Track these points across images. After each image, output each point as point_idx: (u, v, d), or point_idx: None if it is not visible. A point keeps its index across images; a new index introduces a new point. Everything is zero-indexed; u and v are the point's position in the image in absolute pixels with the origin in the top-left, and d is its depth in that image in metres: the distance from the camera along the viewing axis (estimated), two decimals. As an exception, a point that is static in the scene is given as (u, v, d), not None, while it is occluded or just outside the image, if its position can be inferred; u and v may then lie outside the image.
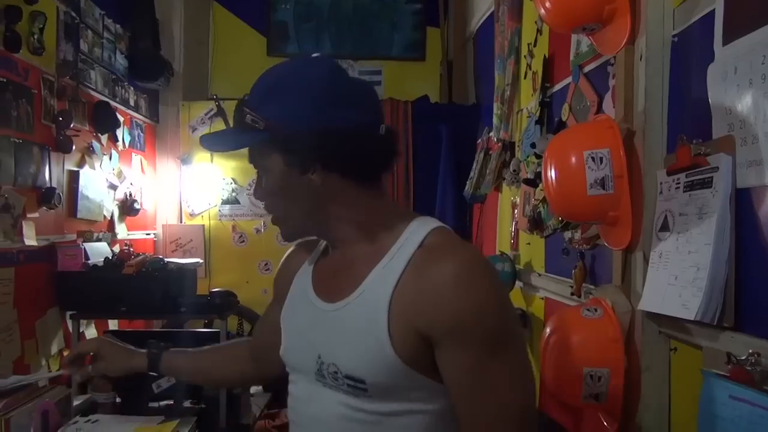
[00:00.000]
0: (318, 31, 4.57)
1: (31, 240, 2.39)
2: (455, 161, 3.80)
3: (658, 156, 1.46)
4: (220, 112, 4.06)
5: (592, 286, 1.88)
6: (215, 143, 1.02)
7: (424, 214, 1.00)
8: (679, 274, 1.28)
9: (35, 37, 2.44)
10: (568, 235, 2.08)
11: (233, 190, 4.09)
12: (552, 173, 1.51)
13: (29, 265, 2.42)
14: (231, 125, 0.99)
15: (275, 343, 1.09)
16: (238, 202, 4.09)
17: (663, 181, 1.40)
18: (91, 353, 1.34)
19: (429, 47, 4.58)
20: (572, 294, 1.96)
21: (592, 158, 1.45)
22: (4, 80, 2.26)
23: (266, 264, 3.99)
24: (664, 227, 1.38)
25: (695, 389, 1.23)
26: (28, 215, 2.39)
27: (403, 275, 0.89)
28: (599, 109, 1.87)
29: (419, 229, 0.93)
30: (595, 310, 1.50)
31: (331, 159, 0.92)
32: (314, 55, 1.02)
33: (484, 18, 3.64)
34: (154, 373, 1.32)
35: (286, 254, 1.16)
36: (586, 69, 1.99)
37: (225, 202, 4.08)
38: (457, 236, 0.96)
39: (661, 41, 1.47)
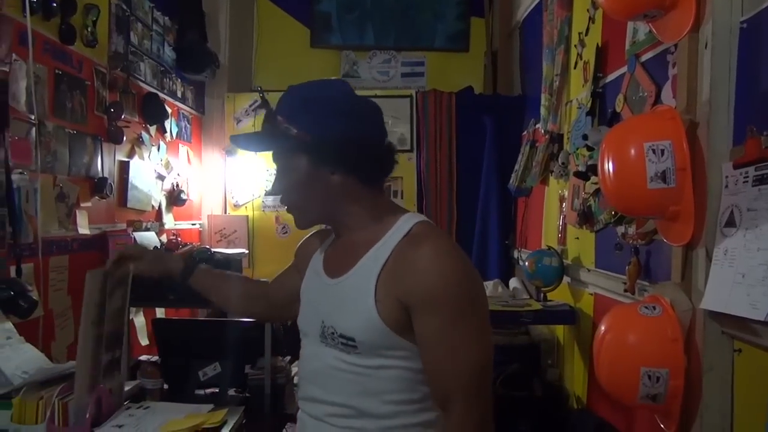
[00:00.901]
0: (361, 21, 4.55)
1: (84, 229, 2.45)
2: (499, 153, 3.74)
3: (723, 148, 1.39)
4: (264, 104, 4.09)
5: (647, 283, 1.82)
6: (250, 144, 1.22)
7: (413, 210, 1.24)
8: (746, 272, 1.23)
9: (89, 29, 2.49)
10: (621, 229, 2.01)
11: (276, 182, 4.11)
12: (609, 166, 1.46)
13: (82, 253, 2.48)
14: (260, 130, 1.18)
15: (284, 296, 1.38)
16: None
17: (729, 174, 1.34)
18: (132, 255, 1.49)
19: (473, 38, 4.51)
20: (625, 291, 1.90)
21: (653, 150, 1.39)
22: (60, 72, 2.32)
23: (308, 255, 4.00)
24: (730, 223, 1.32)
25: (762, 393, 1.18)
26: (82, 204, 2.45)
27: (390, 256, 1.09)
28: (657, 100, 1.81)
29: (407, 221, 1.13)
30: (654, 308, 1.44)
31: (350, 163, 1.12)
32: (330, 78, 1.26)
33: (531, 7, 3.56)
34: (182, 281, 1.46)
35: (308, 235, 1.37)
36: (643, 58, 1.92)
37: (268, 194, 4.11)
38: (437, 228, 1.17)
39: (728, 28, 1.40)
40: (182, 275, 1.46)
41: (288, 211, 1.20)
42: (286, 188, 1.17)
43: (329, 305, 1.14)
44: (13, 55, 2.00)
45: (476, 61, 4.48)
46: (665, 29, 1.58)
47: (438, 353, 1.06)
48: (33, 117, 2.09)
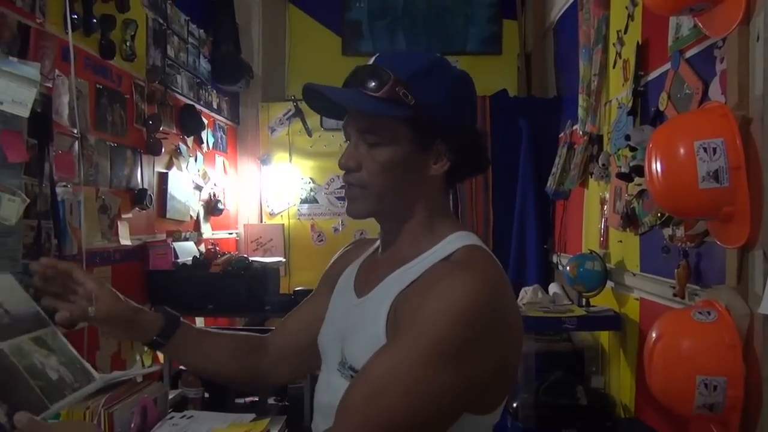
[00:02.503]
0: (392, 28, 4.54)
1: (125, 240, 2.49)
2: (536, 156, 3.68)
3: (779, 145, 1.33)
4: (298, 113, 4.12)
5: (697, 287, 1.75)
6: (347, 99, 0.96)
7: (468, 229, 0.99)
8: (810, 275, 1.16)
9: (127, 44, 2.54)
10: (668, 232, 1.95)
11: (311, 190, 4.13)
12: (657, 166, 1.41)
13: (124, 263, 2.52)
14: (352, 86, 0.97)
15: (298, 339, 1.12)
16: (317, 202, 4.13)
17: (787, 172, 1.28)
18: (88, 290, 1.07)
19: (505, 40, 4.47)
20: (674, 295, 1.84)
21: (704, 149, 1.34)
22: (100, 87, 2.36)
23: (344, 262, 4.00)
24: (790, 223, 1.25)
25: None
26: (123, 216, 2.49)
27: (418, 278, 0.90)
28: (704, 97, 1.74)
29: (452, 243, 0.94)
30: (708, 313, 1.38)
31: (458, 155, 0.95)
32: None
33: (566, 7, 3.50)
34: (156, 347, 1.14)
35: (342, 249, 1.18)
36: (688, 54, 1.86)
37: (303, 202, 4.13)
38: (483, 258, 0.92)
39: (781, 19, 1.34)
40: (155, 344, 1.13)
41: (350, 192, 0.97)
42: (372, 167, 0.93)
43: (349, 329, 0.96)
44: (56, 71, 2.04)
45: (509, 64, 4.42)
46: (712, 23, 1.53)
47: (361, 376, 0.85)
48: (75, 131, 2.14)
